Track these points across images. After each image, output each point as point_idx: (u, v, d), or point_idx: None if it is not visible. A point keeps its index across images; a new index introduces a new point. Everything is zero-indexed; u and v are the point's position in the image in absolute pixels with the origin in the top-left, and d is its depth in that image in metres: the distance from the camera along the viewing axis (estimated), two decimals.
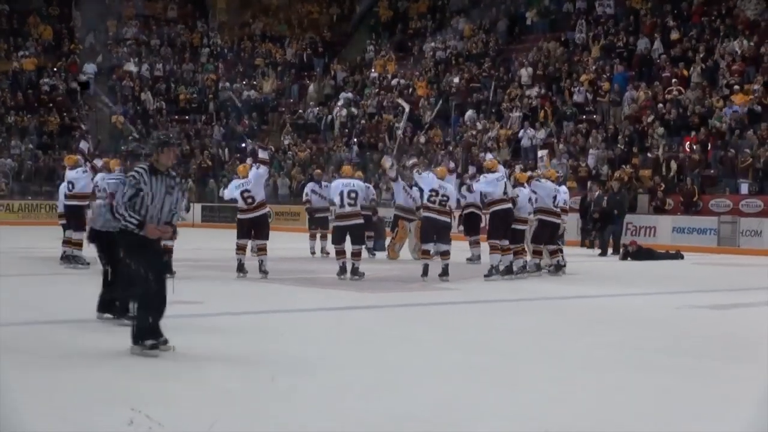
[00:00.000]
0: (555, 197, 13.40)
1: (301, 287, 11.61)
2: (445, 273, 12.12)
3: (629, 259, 17.27)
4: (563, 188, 14.64)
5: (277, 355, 6.61)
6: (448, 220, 12.47)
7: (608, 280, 13.45)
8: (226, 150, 33.55)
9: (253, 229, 12.21)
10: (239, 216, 12.35)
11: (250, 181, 12.24)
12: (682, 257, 17.60)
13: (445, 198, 12.23)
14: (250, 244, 12.39)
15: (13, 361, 6.09)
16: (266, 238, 12.29)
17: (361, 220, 12.55)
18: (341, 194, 12.27)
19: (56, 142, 33.57)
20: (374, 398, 5.31)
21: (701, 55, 25.23)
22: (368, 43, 36.88)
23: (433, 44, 34.27)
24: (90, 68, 36.04)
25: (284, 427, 4.72)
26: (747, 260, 17.42)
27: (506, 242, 12.50)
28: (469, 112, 28.97)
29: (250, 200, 12.12)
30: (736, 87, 23.44)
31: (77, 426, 4.65)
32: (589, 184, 21.73)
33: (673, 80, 24.83)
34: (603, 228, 19.03)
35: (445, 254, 12.27)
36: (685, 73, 25.12)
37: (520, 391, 5.57)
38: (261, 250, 12.16)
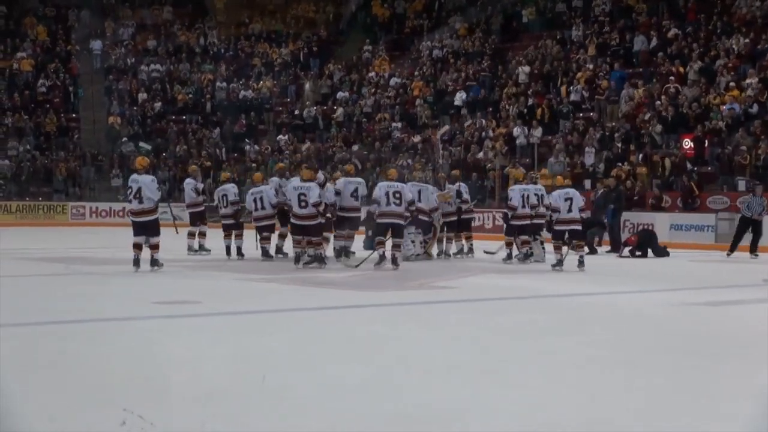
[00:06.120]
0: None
1: (298, 286, 11.60)
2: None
3: (631, 255, 17.31)
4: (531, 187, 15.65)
5: (270, 354, 6.61)
6: None
7: (603, 277, 13.45)
8: (224, 150, 33.53)
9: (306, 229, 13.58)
10: (293, 221, 13.70)
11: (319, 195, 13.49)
12: (667, 254, 17.70)
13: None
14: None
15: (6, 363, 6.08)
16: (318, 234, 13.61)
17: (402, 221, 13.85)
18: (387, 195, 13.56)
19: (53, 143, 33.61)
20: (366, 397, 5.31)
21: (697, 53, 25.23)
22: (364, 42, 36.85)
23: (429, 43, 34.26)
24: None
25: (277, 426, 4.72)
26: (744, 257, 17.43)
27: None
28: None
29: (303, 204, 13.43)
30: (732, 84, 23.43)
31: (69, 427, 4.64)
32: (597, 184, 21.50)
33: (670, 78, 24.82)
34: (589, 227, 18.57)
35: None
36: (682, 70, 25.13)
37: (512, 389, 5.56)
38: (317, 245, 13.58)
